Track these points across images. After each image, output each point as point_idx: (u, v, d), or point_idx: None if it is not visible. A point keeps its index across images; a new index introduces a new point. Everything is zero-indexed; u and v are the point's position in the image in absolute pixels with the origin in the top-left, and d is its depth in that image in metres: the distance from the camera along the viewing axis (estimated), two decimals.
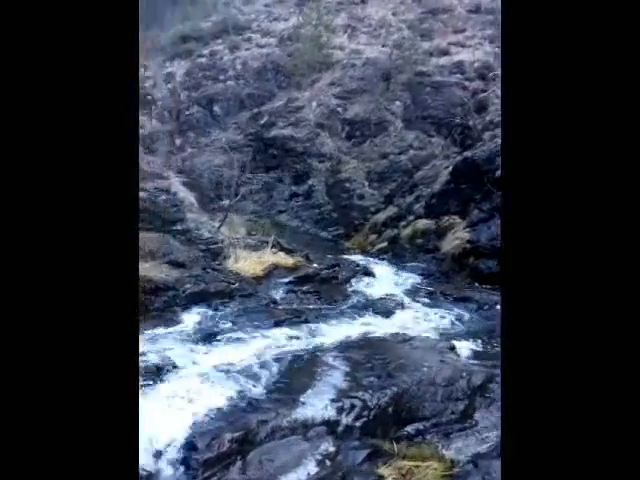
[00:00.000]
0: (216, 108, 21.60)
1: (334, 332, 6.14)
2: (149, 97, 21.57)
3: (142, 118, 21.05)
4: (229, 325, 5.99)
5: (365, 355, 5.08)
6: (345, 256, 12.46)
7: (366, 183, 18.94)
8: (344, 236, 17.32)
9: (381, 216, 16.67)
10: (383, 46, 22.44)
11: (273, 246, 9.25)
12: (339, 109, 21.09)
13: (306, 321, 6.37)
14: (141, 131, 20.84)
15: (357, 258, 12.39)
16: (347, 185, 18.89)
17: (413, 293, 9.14)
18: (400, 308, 7.85)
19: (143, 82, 22.17)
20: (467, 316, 7.87)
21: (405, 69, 20.93)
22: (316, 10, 22.39)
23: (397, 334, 6.21)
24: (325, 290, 8.44)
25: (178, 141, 21.28)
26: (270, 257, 8.87)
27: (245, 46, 22.60)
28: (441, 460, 3.67)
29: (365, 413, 4.02)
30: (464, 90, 19.63)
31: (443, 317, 7.58)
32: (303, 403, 4.02)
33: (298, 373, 4.61)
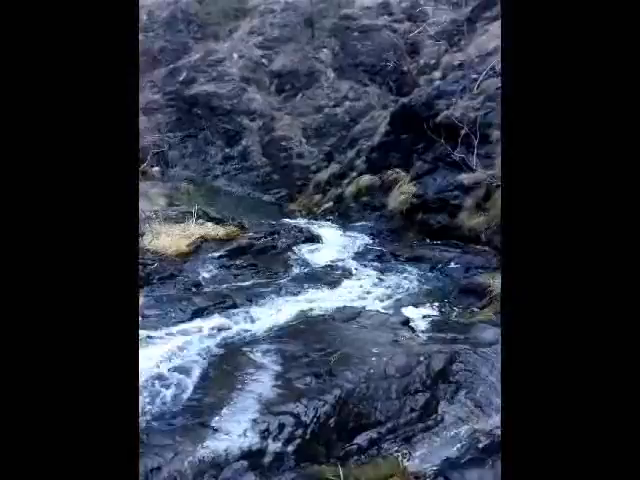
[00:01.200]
0: None
1: (269, 315, 5.24)
2: None
3: None
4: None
5: (302, 345, 4.22)
6: (287, 220, 11.54)
7: (303, 140, 17.88)
8: (288, 198, 16.34)
9: (323, 175, 15.76)
10: None
11: (199, 216, 8.15)
12: (264, 60, 19.61)
13: (234, 305, 5.42)
14: None
15: (300, 222, 11.52)
16: (284, 144, 17.75)
17: (362, 256, 8.41)
18: (348, 276, 7.10)
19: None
20: (420, 277, 7.26)
21: (329, 13, 19.68)
22: None
23: (343, 309, 5.43)
24: (263, 262, 7.53)
25: None
26: (196, 229, 7.79)
27: None
28: (403, 475, 2.98)
29: (299, 432, 3.12)
30: (394, 33, 18.74)
31: (394, 282, 6.91)
32: (215, 430, 3.05)
33: (214, 383, 3.65)
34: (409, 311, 6.01)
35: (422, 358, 3.95)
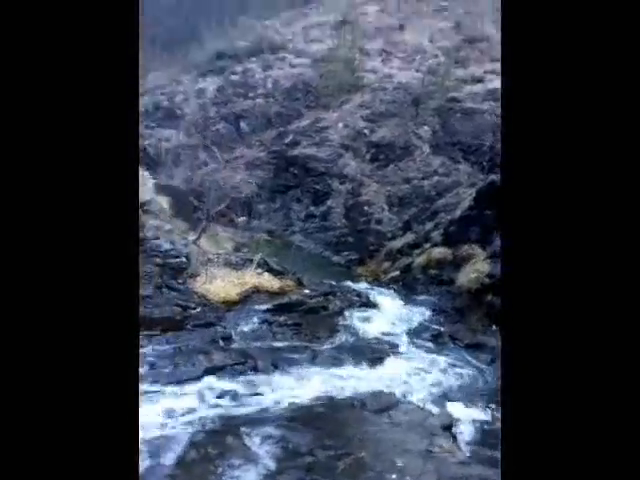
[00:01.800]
0: (243, 125, 20.42)
1: (290, 389, 4.29)
2: (179, 112, 20.65)
3: (170, 131, 20.11)
4: (140, 372, 4.07)
5: (313, 437, 3.20)
6: (348, 283, 10.61)
7: (386, 207, 17.11)
8: (358, 262, 15.44)
9: (398, 243, 14.77)
10: (417, 71, 20.87)
11: (259, 265, 7.51)
12: (366, 131, 19.49)
13: (255, 368, 4.52)
14: (167, 144, 19.84)
15: (361, 286, 10.52)
16: (366, 208, 17.10)
17: (417, 334, 7.20)
18: (395, 353, 5.96)
19: (175, 96, 21.31)
20: (477, 370, 5.91)
21: (436, 95, 19.29)
22: (352, 33, 21.12)
23: (379, 395, 4.33)
24: (310, 323, 6.63)
25: (202, 156, 20.11)
26: (252, 278, 7.14)
27: (278, 65, 21.44)
28: None
29: None
30: (496, 117, 17.72)
31: (446, 371, 5.64)
32: None
33: (187, 470, 2.76)
34: (456, 409, 4.73)
35: None
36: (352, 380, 4.73)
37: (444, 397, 4.96)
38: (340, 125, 19.61)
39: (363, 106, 20.01)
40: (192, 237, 7.72)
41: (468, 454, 3.36)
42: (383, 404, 3.95)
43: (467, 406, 4.83)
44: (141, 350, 4.55)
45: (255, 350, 5.05)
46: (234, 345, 5.16)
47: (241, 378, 4.28)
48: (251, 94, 20.85)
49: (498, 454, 3.57)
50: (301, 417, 3.53)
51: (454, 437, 3.57)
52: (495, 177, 11.56)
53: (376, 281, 12.43)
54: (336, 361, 5.22)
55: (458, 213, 12.15)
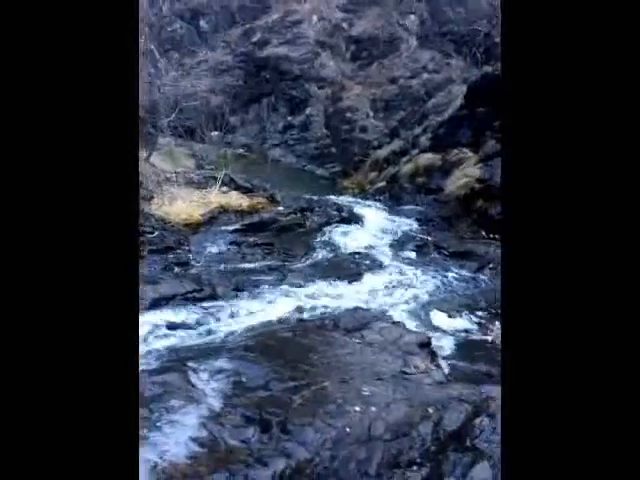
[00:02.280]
0: (202, 23, 18.87)
1: (251, 313, 4.14)
2: None
3: None
4: None
5: (270, 366, 3.04)
6: (331, 197, 10.35)
7: (371, 113, 16.38)
8: (342, 174, 15.12)
9: (383, 151, 14.33)
10: None
11: (224, 183, 7.16)
12: (344, 24, 18.12)
13: (212, 296, 4.32)
14: None
15: (344, 199, 10.29)
16: (349, 115, 16.37)
17: (401, 245, 7.07)
18: (375, 268, 5.85)
19: None
20: (463, 279, 5.85)
21: None
22: None
23: (354, 312, 4.21)
24: (284, 242, 6.44)
25: (161, 62, 18.76)
26: (217, 197, 6.82)
27: None
28: None
29: None
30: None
31: (429, 282, 5.56)
32: None
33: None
34: (438, 319, 4.70)
35: (431, 410, 2.70)
36: (325, 299, 4.61)
37: (426, 309, 4.90)
38: (314, 18, 18.20)
39: None
40: (143, 155, 7.25)
41: (447, 371, 3.30)
42: (357, 323, 3.83)
43: (451, 316, 4.79)
44: None
45: (216, 275, 4.85)
46: (192, 271, 4.96)
47: (195, 307, 4.08)
48: None
49: (480, 367, 3.54)
50: (260, 345, 3.35)
51: (433, 354, 3.49)
52: (489, 69, 10.92)
53: (362, 193, 12.22)
54: (309, 279, 5.08)
55: (448, 114, 11.64)
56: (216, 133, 16.38)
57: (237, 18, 18.86)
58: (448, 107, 13.30)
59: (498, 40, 15.14)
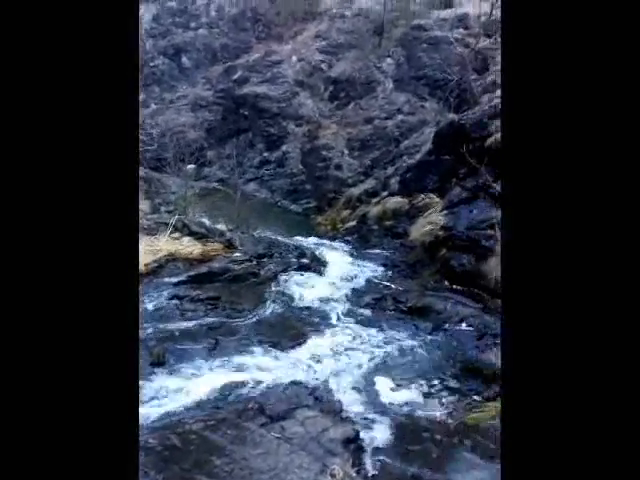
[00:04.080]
0: (184, 60, 18.73)
1: (168, 396, 3.60)
2: None
3: None
4: None
5: (162, 476, 2.55)
6: (298, 237, 9.95)
7: (346, 151, 16.19)
8: (316, 210, 14.84)
9: (357, 190, 14.08)
10: None
11: (177, 229, 6.68)
12: (323, 66, 18.11)
13: None
14: None
15: (311, 240, 9.89)
16: (324, 153, 16.15)
17: (358, 297, 6.63)
18: (323, 329, 5.37)
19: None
20: (418, 339, 5.41)
21: (400, 22, 17.89)
22: None
23: (285, 390, 3.74)
24: (233, 294, 5.95)
25: (141, 96, 18.49)
26: (167, 245, 6.34)
27: None
28: None
29: None
30: (466, 48, 16.57)
31: (379, 344, 5.09)
32: None
33: None
34: (382, 390, 4.22)
35: None
36: (258, 373, 4.11)
37: (371, 378, 4.43)
38: (294, 59, 18.18)
39: (319, 37, 18.51)
40: None
41: (371, 473, 2.81)
42: (284, 406, 3.33)
43: (398, 387, 4.32)
44: None
45: (151, 339, 4.30)
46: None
47: None
48: (192, 24, 19.01)
49: (413, 468, 3.05)
50: (160, 445, 2.82)
51: (359, 450, 3.00)
52: (455, 116, 10.76)
53: (334, 231, 11.90)
54: (246, 345, 4.57)
55: (417, 158, 11.41)
56: (192, 166, 16.03)
57: (219, 56, 18.79)
58: (420, 149, 13.15)
59: (469, 86, 15.20)
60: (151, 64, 18.48)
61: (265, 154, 16.63)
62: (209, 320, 5.12)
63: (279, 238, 9.20)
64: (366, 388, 4.23)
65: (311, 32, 18.81)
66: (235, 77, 18.01)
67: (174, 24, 19.05)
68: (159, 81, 18.27)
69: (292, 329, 5.14)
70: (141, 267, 5.79)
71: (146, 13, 19.43)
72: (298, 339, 4.92)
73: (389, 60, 17.70)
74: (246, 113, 17.25)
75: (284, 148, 16.58)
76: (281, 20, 18.73)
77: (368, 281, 7.45)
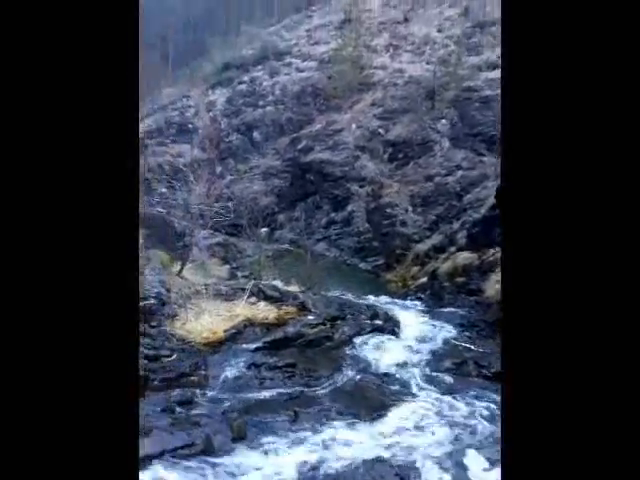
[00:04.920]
0: (255, 134, 19.74)
1: (247, 475, 3.30)
2: (191, 126, 20.20)
3: (184, 147, 19.65)
4: None
5: None
6: (369, 296, 9.60)
7: (409, 208, 15.96)
8: (385, 267, 14.49)
9: (424, 246, 13.67)
10: (427, 63, 19.58)
11: (253, 294, 6.63)
12: (380, 130, 18.39)
13: (205, 451, 3.50)
14: (182, 160, 19.39)
15: (383, 300, 9.50)
16: (389, 211, 16.01)
17: (437, 362, 6.10)
18: (404, 398, 4.90)
19: (186, 111, 20.89)
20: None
21: (451, 85, 17.96)
22: (356, 32, 20.10)
23: (369, 468, 3.32)
24: (309, 360, 5.67)
25: (218, 169, 19.56)
26: (244, 310, 6.26)
27: (285, 71, 20.64)
28: None
29: None
30: None
31: (465, 415, 4.53)
32: None
33: None
34: (474, 468, 3.68)
35: None
36: (339, 448, 3.72)
37: (461, 453, 3.89)
38: (353, 126, 18.62)
39: (375, 104, 18.93)
40: (175, 269, 6.91)
41: None
42: None
43: (487, 469, 3.75)
44: None
45: (217, 419, 4.02)
46: (195, 411, 4.20)
47: (182, 466, 3.27)
48: (261, 102, 20.16)
49: None
50: None
51: None
52: None
53: (404, 288, 11.47)
54: (325, 418, 4.21)
55: (482, 212, 10.92)
56: (264, 230, 16.44)
57: (285, 129, 19.63)
58: (484, 202, 12.65)
59: None
60: (226, 140, 19.62)
61: (332, 214, 16.76)
62: (287, 390, 4.84)
63: (351, 298, 8.91)
64: (455, 466, 3.70)
65: (367, 101, 19.31)
66: (300, 146, 18.66)
67: (245, 104, 20.30)
68: (234, 155, 19.28)
69: (371, 399, 4.73)
70: (220, 333, 5.70)
71: (220, 97, 20.93)
72: (378, 410, 4.49)
73: (443, 121, 17.67)
74: (312, 178, 17.65)
75: (349, 208, 16.64)
76: (339, 93, 19.43)
77: (446, 342, 6.90)
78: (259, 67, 20.77)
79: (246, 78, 20.54)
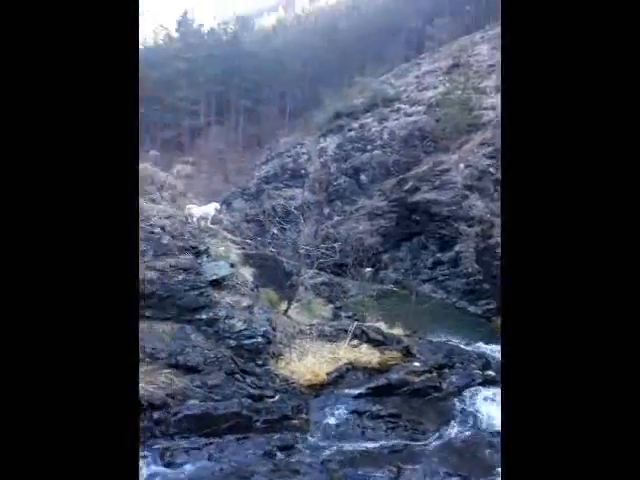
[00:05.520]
0: (362, 177, 19.98)
1: None
2: (303, 171, 21.15)
3: (297, 190, 20.56)
4: None
5: None
6: (479, 344, 8.77)
7: None
8: (497, 312, 13.24)
9: None
10: None
11: (355, 336, 6.40)
12: (491, 169, 17.43)
13: None
14: (293, 202, 20.27)
15: (493, 348, 8.58)
16: (500, 251, 14.88)
17: None
18: None
19: (299, 157, 21.95)
20: None
21: None
22: (465, 75, 19.67)
23: None
24: (413, 410, 5.22)
25: (326, 210, 20.08)
26: (346, 352, 6.04)
27: (393, 116, 20.78)
28: None
29: None
30: None
31: None
32: None
33: None
34: None
35: None
36: None
37: None
38: (461, 166, 17.88)
39: (485, 144, 18.01)
40: (282, 308, 6.97)
41: None
42: None
43: None
44: (172, 469, 3.68)
45: (317, 468, 3.80)
46: (295, 457, 4.01)
47: None
48: (369, 147, 20.44)
49: None
50: None
51: None
52: None
53: None
54: (429, 476, 3.75)
55: None
56: (369, 269, 16.21)
57: (392, 171, 19.57)
58: None
59: None
60: (334, 183, 20.11)
61: (438, 255, 15.98)
62: (390, 442, 4.45)
63: (459, 344, 8.20)
64: None
65: (476, 141, 18.49)
66: (407, 187, 18.35)
67: (353, 149, 20.74)
68: (341, 197, 19.64)
69: (482, 459, 4.14)
70: (323, 376, 5.54)
71: (331, 143, 21.67)
72: (491, 472, 3.89)
73: None
74: (418, 218, 17.15)
75: (457, 248, 15.74)
76: (446, 135, 18.96)
77: None
78: (368, 114, 21.23)
79: (356, 125, 21.09)
